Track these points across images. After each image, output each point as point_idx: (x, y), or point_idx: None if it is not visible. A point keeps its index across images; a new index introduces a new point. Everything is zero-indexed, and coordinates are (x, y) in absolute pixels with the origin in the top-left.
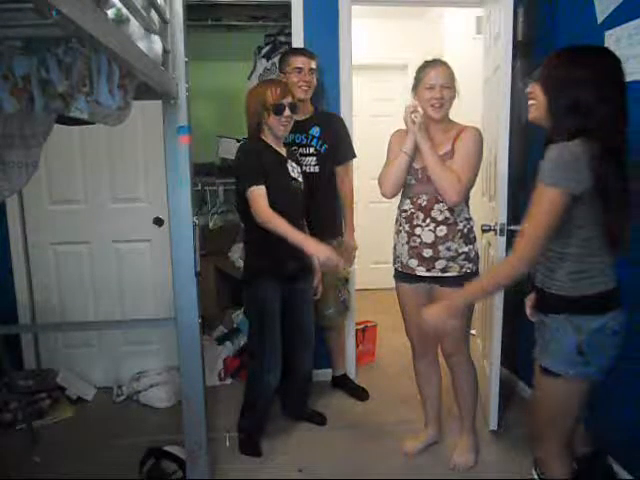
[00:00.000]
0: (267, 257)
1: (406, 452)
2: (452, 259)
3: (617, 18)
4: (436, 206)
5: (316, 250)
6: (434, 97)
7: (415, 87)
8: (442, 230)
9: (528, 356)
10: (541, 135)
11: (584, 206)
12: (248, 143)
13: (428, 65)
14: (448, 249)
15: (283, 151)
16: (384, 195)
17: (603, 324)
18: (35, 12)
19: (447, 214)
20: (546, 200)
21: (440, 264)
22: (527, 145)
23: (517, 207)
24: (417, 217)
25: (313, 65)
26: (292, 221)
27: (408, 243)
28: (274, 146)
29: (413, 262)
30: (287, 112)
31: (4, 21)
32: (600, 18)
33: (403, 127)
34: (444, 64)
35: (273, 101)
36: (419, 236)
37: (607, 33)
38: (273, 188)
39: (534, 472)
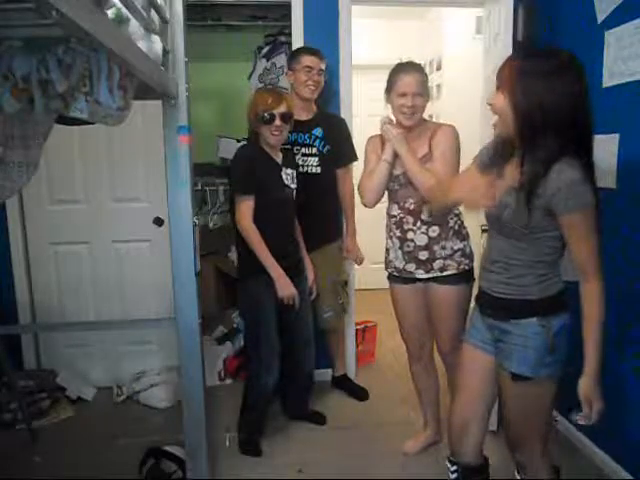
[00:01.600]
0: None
1: (406, 452)
2: (449, 257)
3: (617, 18)
4: (424, 208)
5: (283, 285)
6: (405, 105)
7: (387, 91)
8: (435, 230)
9: None
10: None
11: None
12: (245, 147)
13: (401, 70)
14: (443, 248)
15: (279, 157)
16: (366, 205)
17: (565, 321)
18: (35, 12)
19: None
20: (589, 221)
21: (438, 264)
22: None
23: None
24: (407, 221)
25: (323, 66)
26: (282, 228)
27: (402, 248)
28: (270, 152)
29: (411, 266)
30: (278, 122)
31: (4, 21)
32: (600, 18)
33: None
34: (417, 69)
35: (264, 111)
36: (412, 240)
37: (607, 33)
38: (264, 195)
39: (517, 474)
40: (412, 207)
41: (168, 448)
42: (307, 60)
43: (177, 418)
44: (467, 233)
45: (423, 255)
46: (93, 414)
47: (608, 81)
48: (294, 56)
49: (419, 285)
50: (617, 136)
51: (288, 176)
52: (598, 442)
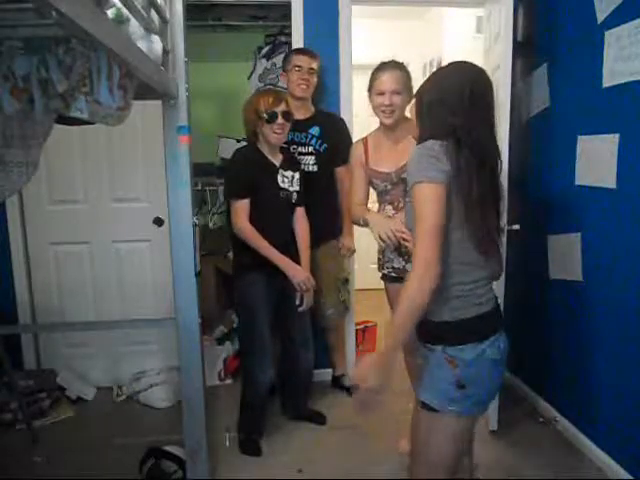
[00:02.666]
0: (251, 253)
1: (401, 452)
2: None
3: (617, 18)
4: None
5: (293, 271)
6: (383, 104)
7: (368, 90)
8: None
9: (528, 356)
10: (541, 135)
11: (454, 215)
12: (241, 150)
13: (381, 69)
14: None
15: (277, 159)
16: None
17: (479, 353)
18: (35, 12)
19: None
20: (424, 199)
21: None
22: (527, 145)
23: (517, 207)
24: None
25: (314, 65)
26: (278, 231)
27: (398, 249)
28: (268, 155)
29: (410, 266)
30: (280, 120)
31: (4, 21)
32: (600, 18)
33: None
34: (398, 68)
35: (265, 109)
36: (408, 240)
37: (607, 33)
38: (260, 199)
39: None
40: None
41: (168, 448)
42: (297, 59)
43: (177, 418)
44: None
45: None
46: (93, 414)
47: (608, 81)
48: (286, 57)
49: None
50: (617, 136)
51: (286, 178)
52: (598, 442)
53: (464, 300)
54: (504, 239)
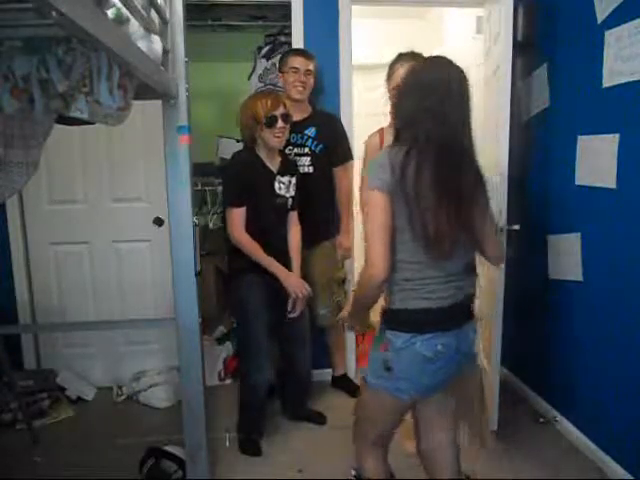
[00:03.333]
0: (248, 256)
1: (407, 452)
2: None
3: (617, 18)
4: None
5: (290, 281)
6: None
7: (387, 81)
8: None
9: (528, 356)
10: (541, 135)
11: (401, 219)
12: (239, 155)
13: (399, 60)
14: None
15: (275, 163)
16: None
17: (409, 344)
18: (35, 12)
19: None
20: (371, 204)
21: None
22: (527, 145)
23: (518, 207)
24: None
25: (310, 67)
26: (273, 237)
27: None
28: (266, 160)
29: None
30: (280, 123)
31: (4, 21)
32: (600, 18)
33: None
34: (415, 59)
35: (265, 114)
36: None
37: (607, 33)
38: (255, 205)
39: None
40: None
41: (168, 448)
42: (293, 61)
43: (177, 418)
44: None
45: None
46: (93, 414)
47: (608, 81)
48: (282, 58)
49: None
50: (617, 136)
51: (282, 184)
52: (598, 442)
53: (410, 293)
54: (504, 239)
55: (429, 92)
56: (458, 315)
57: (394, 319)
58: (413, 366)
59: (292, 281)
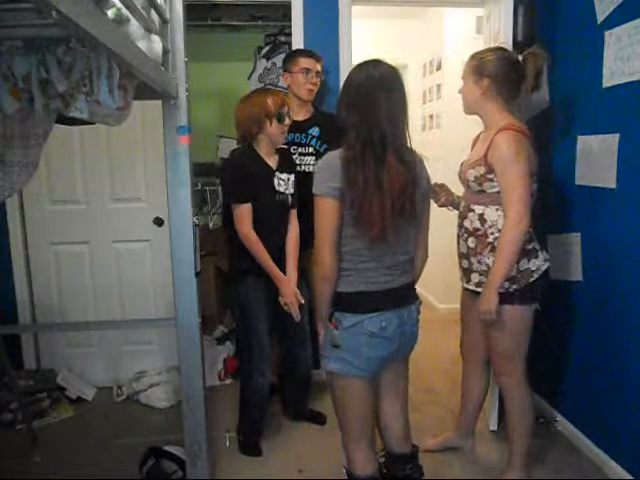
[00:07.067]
0: (249, 257)
1: (427, 449)
2: (484, 273)
3: (617, 18)
4: (469, 215)
5: (284, 289)
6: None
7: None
8: (472, 242)
9: (528, 357)
10: (541, 135)
11: (346, 217)
12: (239, 152)
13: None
14: (479, 262)
15: (274, 161)
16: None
17: (356, 322)
18: (35, 12)
19: (477, 224)
20: (318, 208)
21: (474, 277)
22: None
23: None
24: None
25: (319, 67)
26: (274, 235)
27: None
28: (265, 157)
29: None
30: (287, 121)
31: (4, 21)
32: (600, 18)
33: None
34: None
35: (276, 110)
36: (457, 245)
37: (607, 33)
38: (256, 202)
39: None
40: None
41: (168, 448)
42: (305, 62)
43: (177, 418)
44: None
45: (464, 264)
46: (93, 414)
47: (608, 81)
48: (290, 58)
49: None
50: (617, 136)
51: (282, 181)
52: (598, 442)
53: (354, 278)
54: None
55: (359, 94)
56: (396, 298)
57: (340, 301)
58: (357, 339)
59: (286, 290)
